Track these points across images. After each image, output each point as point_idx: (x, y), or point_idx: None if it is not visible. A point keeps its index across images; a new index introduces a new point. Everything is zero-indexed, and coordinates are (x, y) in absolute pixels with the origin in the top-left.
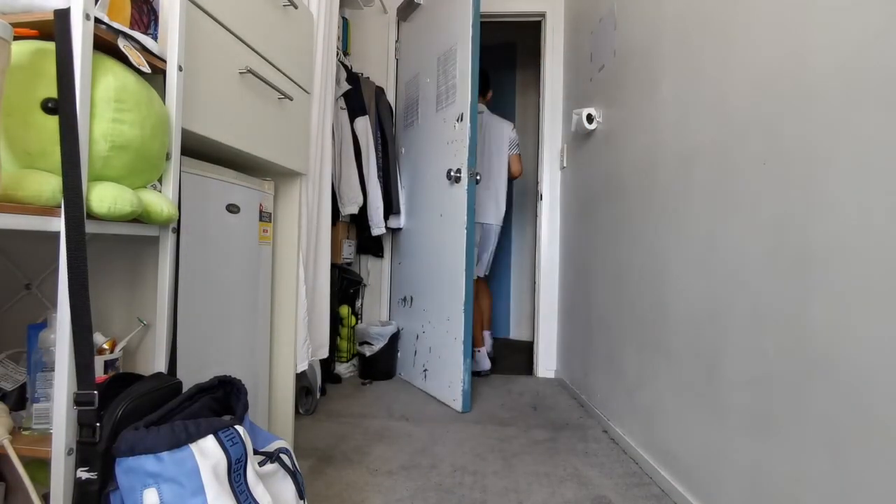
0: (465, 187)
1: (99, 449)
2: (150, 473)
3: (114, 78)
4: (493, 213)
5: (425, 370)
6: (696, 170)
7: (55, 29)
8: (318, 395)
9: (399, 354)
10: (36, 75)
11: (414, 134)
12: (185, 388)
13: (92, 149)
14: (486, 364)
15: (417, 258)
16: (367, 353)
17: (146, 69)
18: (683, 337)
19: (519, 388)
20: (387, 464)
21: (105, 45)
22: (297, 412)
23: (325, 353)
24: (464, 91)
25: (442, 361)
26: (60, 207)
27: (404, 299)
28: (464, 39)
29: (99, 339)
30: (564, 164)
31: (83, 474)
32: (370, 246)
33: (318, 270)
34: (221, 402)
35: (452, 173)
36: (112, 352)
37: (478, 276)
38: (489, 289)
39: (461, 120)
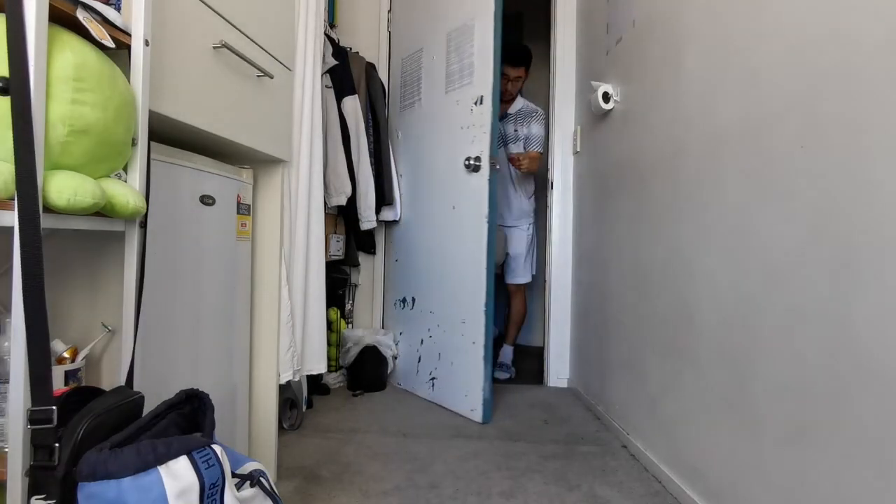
0: (487, 177)
1: (58, 474)
2: (110, 501)
3: (72, 54)
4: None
5: (433, 378)
6: (725, 154)
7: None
8: (304, 407)
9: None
10: None
11: (414, 117)
12: (150, 402)
13: (48, 133)
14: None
15: (421, 255)
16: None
17: (109, 43)
18: (712, 340)
19: (529, 399)
20: (381, 484)
21: (62, 17)
22: (280, 427)
23: (323, 368)
24: (484, 71)
25: (455, 368)
26: (13, 200)
27: (403, 301)
28: (484, 13)
29: (59, 346)
30: (578, 149)
31: (38, 503)
32: (361, 241)
33: (309, 272)
34: (188, 419)
35: (471, 161)
36: (73, 361)
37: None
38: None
39: (480, 103)
